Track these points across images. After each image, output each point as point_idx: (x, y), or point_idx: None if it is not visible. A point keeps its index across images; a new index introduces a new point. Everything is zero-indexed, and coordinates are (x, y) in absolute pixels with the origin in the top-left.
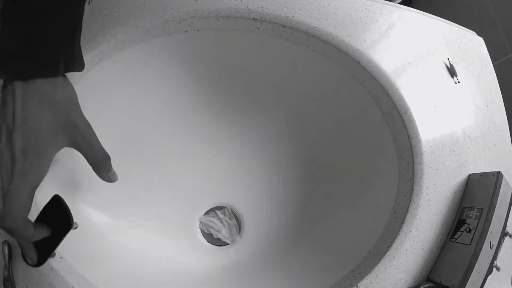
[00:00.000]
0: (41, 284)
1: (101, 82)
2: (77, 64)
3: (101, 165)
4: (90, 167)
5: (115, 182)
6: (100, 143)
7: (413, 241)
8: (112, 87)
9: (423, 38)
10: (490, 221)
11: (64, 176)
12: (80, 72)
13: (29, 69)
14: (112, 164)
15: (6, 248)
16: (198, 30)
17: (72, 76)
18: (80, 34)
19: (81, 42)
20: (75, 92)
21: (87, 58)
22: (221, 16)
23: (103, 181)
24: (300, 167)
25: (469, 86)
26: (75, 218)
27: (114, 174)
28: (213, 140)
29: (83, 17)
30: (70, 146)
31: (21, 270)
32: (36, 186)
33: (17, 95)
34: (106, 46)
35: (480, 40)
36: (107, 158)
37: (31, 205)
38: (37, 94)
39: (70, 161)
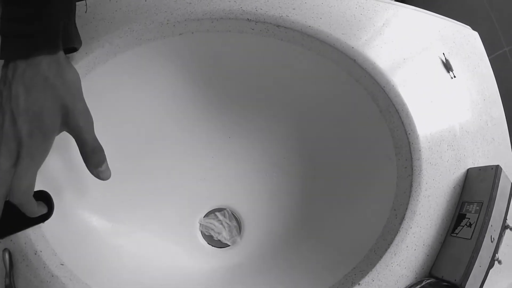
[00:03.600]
0: None
1: (97, 86)
2: (76, 39)
3: (89, 156)
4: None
5: (115, 185)
6: (94, 133)
7: (414, 237)
8: (108, 91)
9: (418, 34)
10: (490, 215)
11: (63, 181)
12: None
13: (30, 46)
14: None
15: (7, 256)
16: (192, 33)
17: None
18: (74, 13)
19: None
20: (78, 76)
21: (82, 63)
22: (215, 18)
23: (102, 185)
24: (298, 166)
25: (465, 81)
26: (75, 223)
27: (105, 172)
28: (211, 142)
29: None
30: (66, 130)
31: (22, 278)
32: (41, 165)
33: (19, 75)
34: (101, 51)
35: (475, 34)
36: (96, 150)
37: (35, 183)
38: (40, 76)
39: (69, 165)
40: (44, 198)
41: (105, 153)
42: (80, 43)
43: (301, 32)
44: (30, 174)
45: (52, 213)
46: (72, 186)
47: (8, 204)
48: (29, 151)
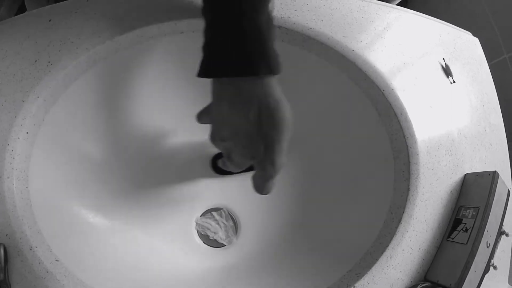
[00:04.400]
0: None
1: (97, 83)
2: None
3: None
4: (86, 170)
5: (111, 183)
6: None
7: (410, 241)
8: (108, 88)
9: (419, 39)
10: (487, 221)
11: (60, 178)
12: (76, 73)
13: (272, 67)
14: (107, 166)
15: (2, 251)
16: (193, 31)
17: (69, 74)
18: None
19: (79, 42)
20: None
21: (82, 59)
22: None
23: (98, 183)
24: (296, 168)
25: (465, 86)
26: (71, 220)
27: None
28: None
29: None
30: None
31: (17, 273)
32: None
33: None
34: (101, 47)
35: (476, 40)
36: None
37: None
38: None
39: (67, 163)
40: None
41: (102, 150)
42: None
43: (302, 34)
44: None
45: None
46: (68, 182)
47: None
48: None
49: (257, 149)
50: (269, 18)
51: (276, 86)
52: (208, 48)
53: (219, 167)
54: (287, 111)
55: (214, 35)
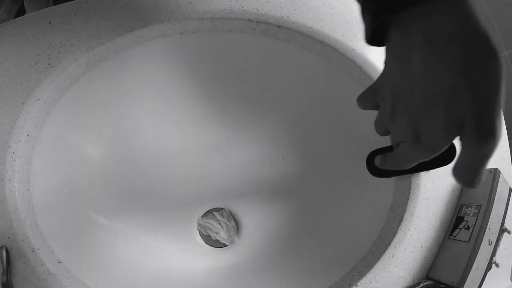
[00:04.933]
0: None
1: (97, 85)
2: None
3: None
4: (88, 171)
5: (113, 184)
6: None
7: (412, 239)
8: (107, 89)
9: None
10: (488, 218)
11: (62, 180)
12: (76, 75)
13: None
14: (108, 168)
15: (4, 253)
16: (193, 32)
17: (70, 76)
18: None
19: (79, 44)
20: None
21: (82, 61)
22: (216, 18)
23: (100, 185)
24: (297, 167)
25: None
26: (73, 221)
27: None
28: (210, 142)
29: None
30: None
31: (20, 275)
32: None
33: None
34: (101, 48)
35: None
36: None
37: None
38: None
39: (68, 165)
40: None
41: (103, 151)
42: None
43: (301, 33)
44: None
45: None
46: (70, 184)
47: None
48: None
49: (466, 112)
50: None
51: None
52: None
53: (376, 167)
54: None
55: None
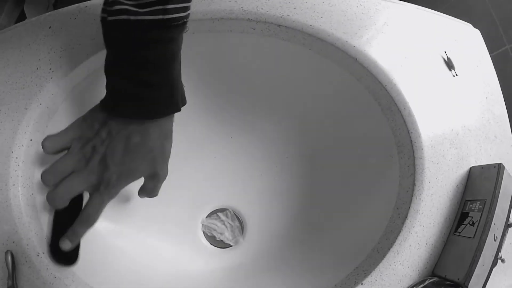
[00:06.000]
0: None
1: (98, 88)
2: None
3: (148, 195)
4: None
5: None
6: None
7: (417, 236)
8: None
9: (419, 32)
10: (493, 213)
11: None
12: (78, 79)
13: (152, 111)
14: None
15: (9, 257)
16: (193, 33)
17: (71, 80)
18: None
19: (80, 48)
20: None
21: (84, 64)
22: (216, 18)
23: None
24: (300, 166)
25: (468, 79)
26: None
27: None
28: (213, 142)
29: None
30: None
31: (25, 279)
32: None
33: (125, 136)
34: (102, 52)
35: (477, 32)
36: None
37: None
38: (146, 147)
39: None
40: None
41: None
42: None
43: (302, 32)
44: (103, 206)
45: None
46: None
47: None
48: (110, 191)
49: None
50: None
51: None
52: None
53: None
54: None
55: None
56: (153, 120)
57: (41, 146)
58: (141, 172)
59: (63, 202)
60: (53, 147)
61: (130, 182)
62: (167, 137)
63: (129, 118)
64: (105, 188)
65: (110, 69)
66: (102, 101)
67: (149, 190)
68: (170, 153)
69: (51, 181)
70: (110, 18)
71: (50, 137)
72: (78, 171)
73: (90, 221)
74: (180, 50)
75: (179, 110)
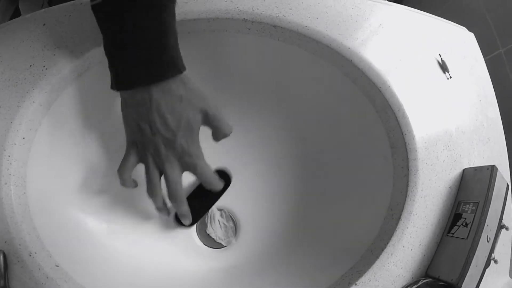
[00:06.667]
0: None
1: (93, 87)
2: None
3: (224, 135)
4: (84, 174)
5: (110, 186)
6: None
7: (410, 237)
8: (104, 90)
9: (414, 35)
10: (486, 215)
11: (58, 183)
12: (71, 77)
13: (162, 72)
14: (106, 169)
15: (1, 257)
16: (188, 32)
17: (65, 78)
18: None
19: (74, 46)
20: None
21: (78, 62)
22: (211, 18)
23: (97, 187)
24: (295, 167)
25: (461, 81)
26: (70, 224)
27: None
28: (208, 142)
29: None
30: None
31: (17, 280)
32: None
33: (157, 102)
34: (96, 50)
35: (471, 35)
36: (231, 129)
37: None
38: (176, 97)
39: (64, 168)
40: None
41: (100, 154)
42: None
43: (297, 32)
44: (206, 165)
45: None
46: (67, 187)
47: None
48: (196, 154)
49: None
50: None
51: None
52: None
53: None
54: None
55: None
56: (168, 79)
57: (33, 144)
58: (193, 117)
59: (187, 206)
60: (129, 178)
61: (197, 133)
62: (187, 82)
63: (147, 84)
64: (189, 155)
65: (111, 48)
66: (115, 83)
67: (218, 131)
68: (202, 91)
69: (161, 201)
70: None
71: (120, 172)
72: (163, 169)
73: (214, 183)
74: (174, 22)
75: (184, 68)
